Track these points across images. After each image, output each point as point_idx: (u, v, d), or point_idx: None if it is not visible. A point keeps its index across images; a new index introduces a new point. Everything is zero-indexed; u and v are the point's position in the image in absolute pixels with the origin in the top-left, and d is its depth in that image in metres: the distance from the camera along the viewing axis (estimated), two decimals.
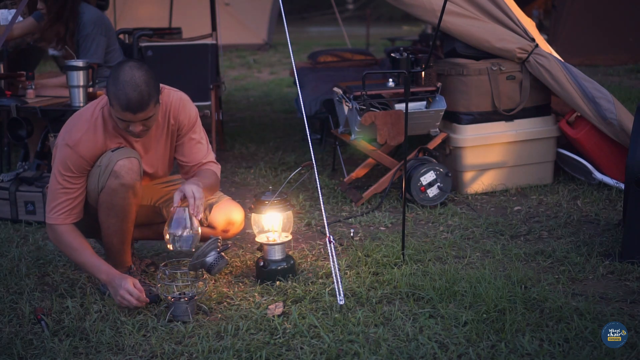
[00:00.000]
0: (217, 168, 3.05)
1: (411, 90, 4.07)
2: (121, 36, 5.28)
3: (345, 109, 4.18)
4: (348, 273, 3.10)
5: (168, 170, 3.08)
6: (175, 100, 2.93)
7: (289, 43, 3.18)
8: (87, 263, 2.81)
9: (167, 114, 2.92)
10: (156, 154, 2.98)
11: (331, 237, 2.84)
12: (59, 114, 3.90)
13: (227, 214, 3.09)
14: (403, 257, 3.19)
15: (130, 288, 2.69)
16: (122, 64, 2.70)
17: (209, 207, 3.07)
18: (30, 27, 4.54)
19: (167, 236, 2.76)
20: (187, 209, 2.74)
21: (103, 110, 2.82)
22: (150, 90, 2.66)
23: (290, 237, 3.14)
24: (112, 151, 2.79)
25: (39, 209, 3.91)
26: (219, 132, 5.62)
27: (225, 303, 2.87)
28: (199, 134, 3.02)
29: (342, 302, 2.69)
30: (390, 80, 4.22)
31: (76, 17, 4.38)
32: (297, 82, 3.24)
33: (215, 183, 3.00)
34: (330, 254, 2.77)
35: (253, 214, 3.13)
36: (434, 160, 4.08)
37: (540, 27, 9.53)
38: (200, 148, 3.02)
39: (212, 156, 3.06)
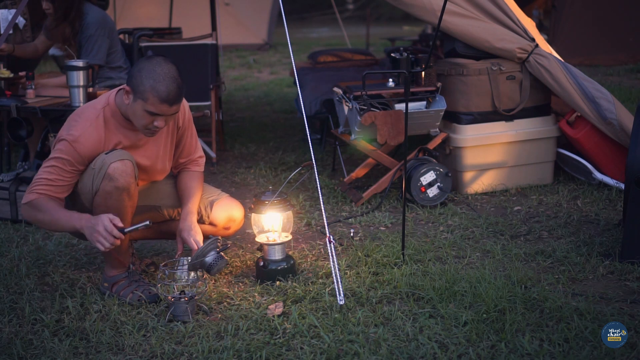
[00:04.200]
0: (202, 162, 3.18)
1: (411, 90, 4.07)
2: (121, 36, 5.28)
3: (345, 109, 4.18)
4: (348, 273, 3.10)
5: (168, 166, 3.08)
6: None
7: (289, 43, 3.18)
8: (63, 218, 2.71)
9: None
10: (155, 147, 2.97)
11: (331, 237, 2.84)
12: (59, 114, 3.90)
13: (228, 211, 3.13)
14: (403, 257, 3.19)
15: (107, 223, 2.62)
16: (151, 59, 2.74)
17: (210, 205, 3.10)
18: (45, 43, 4.62)
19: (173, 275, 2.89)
20: (189, 258, 2.87)
21: (105, 110, 2.82)
22: (183, 83, 2.75)
23: (290, 237, 3.14)
24: (106, 154, 2.77)
25: None
26: (219, 132, 5.62)
27: (225, 303, 2.87)
28: (192, 128, 3.12)
29: (342, 302, 2.69)
30: (390, 80, 4.22)
31: (81, 17, 4.38)
32: (297, 82, 3.24)
33: (201, 184, 3.13)
34: (330, 254, 2.77)
35: (253, 214, 3.13)
36: (434, 160, 4.08)
37: (540, 27, 9.51)
38: (193, 144, 3.15)
39: (200, 150, 3.19)
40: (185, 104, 3.05)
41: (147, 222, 2.70)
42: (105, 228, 2.62)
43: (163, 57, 2.78)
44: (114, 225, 2.63)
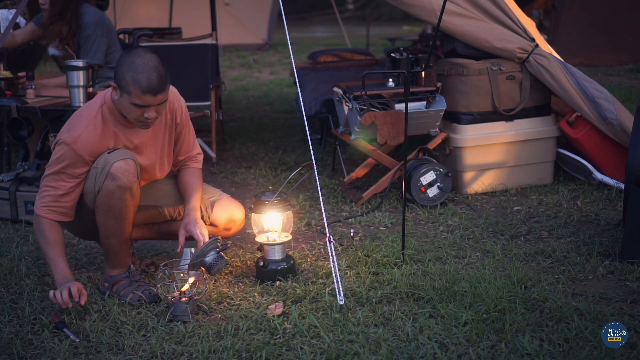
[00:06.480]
0: (200, 159, 3.20)
1: (411, 90, 4.07)
2: (121, 36, 5.28)
3: (345, 109, 4.18)
4: (348, 273, 3.10)
5: (168, 164, 3.08)
6: (170, 93, 2.94)
7: (289, 43, 3.18)
8: (52, 259, 2.77)
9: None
10: (155, 146, 2.97)
11: (331, 237, 2.84)
12: (59, 114, 3.90)
13: (229, 212, 3.13)
14: (403, 257, 3.19)
15: (73, 289, 2.68)
16: (131, 52, 2.74)
17: (211, 205, 3.10)
18: (32, 33, 4.55)
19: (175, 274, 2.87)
20: (192, 249, 2.87)
21: (102, 109, 2.83)
22: (166, 71, 2.74)
23: (290, 237, 3.15)
24: (108, 153, 2.78)
25: None
26: (219, 132, 5.62)
27: (225, 303, 2.87)
28: (189, 125, 3.13)
29: (342, 302, 2.69)
30: (390, 80, 4.22)
31: (79, 17, 4.38)
32: (297, 82, 3.24)
33: (201, 181, 3.14)
34: (330, 254, 2.77)
35: (253, 214, 3.14)
36: (434, 160, 4.08)
37: (540, 27, 9.51)
38: (191, 141, 3.16)
39: (198, 146, 3.21)
40: (181, 100, 3.05)
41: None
42: (68, 294, 2.67)
43: (143, 48, 2.78)
44: (76, 295, 2.68)
